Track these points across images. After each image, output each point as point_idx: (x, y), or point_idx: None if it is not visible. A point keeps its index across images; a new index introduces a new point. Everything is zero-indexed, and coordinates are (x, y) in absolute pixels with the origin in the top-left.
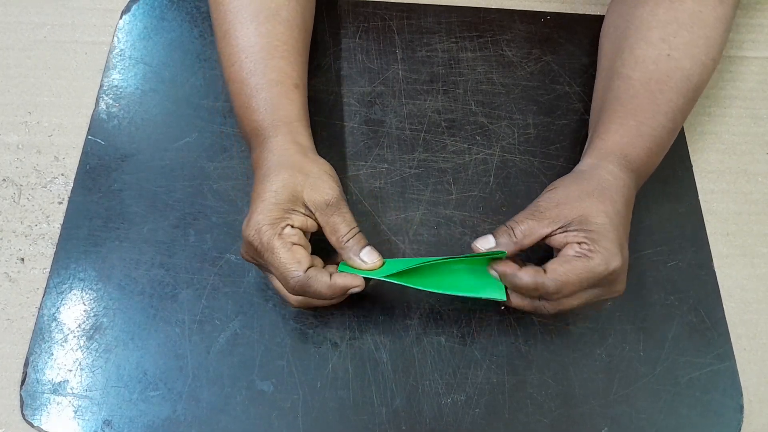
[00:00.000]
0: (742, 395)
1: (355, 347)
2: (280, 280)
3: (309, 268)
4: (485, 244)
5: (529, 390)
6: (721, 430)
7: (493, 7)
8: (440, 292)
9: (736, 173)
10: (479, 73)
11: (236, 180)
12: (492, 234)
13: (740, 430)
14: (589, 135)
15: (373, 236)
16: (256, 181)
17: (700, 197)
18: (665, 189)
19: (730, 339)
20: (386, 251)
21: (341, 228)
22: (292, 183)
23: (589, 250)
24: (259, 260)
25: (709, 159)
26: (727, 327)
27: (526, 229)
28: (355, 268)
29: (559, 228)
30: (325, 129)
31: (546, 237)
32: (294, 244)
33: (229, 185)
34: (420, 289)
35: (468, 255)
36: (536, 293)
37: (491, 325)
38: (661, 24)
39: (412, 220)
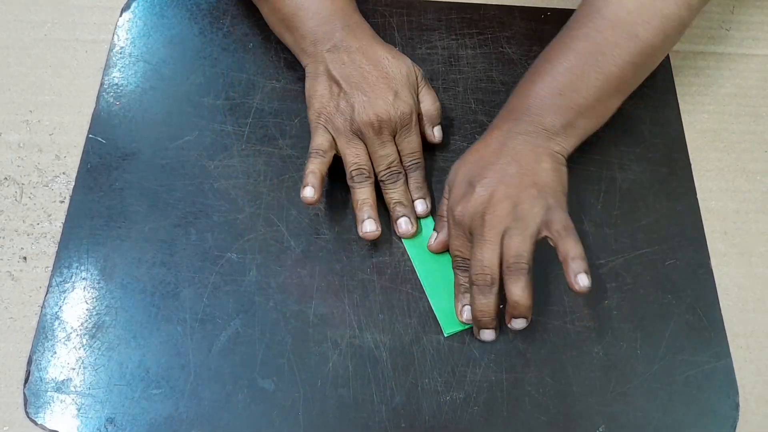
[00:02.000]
0: (738, 393)
1: (355, 346)
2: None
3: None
4: (432, 237)
5: (527, 388)
6: (717, 428)
7: (493, 3)
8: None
9: (735, 171)
10: (479, 71)
11: (237, 179)
12: (434, 229)
13: (736, 427)
14: None
15: None
16: (365, 39)
17: (699, 195)
18: (663, 187)
19: (726, 337)
20: (386, 251)
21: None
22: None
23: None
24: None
25: (708, 157)
26: (723, 325)
27: (440, 206)
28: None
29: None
30: None
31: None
32: None
33: (230, 184)
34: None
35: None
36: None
37: None
38: None
39: None
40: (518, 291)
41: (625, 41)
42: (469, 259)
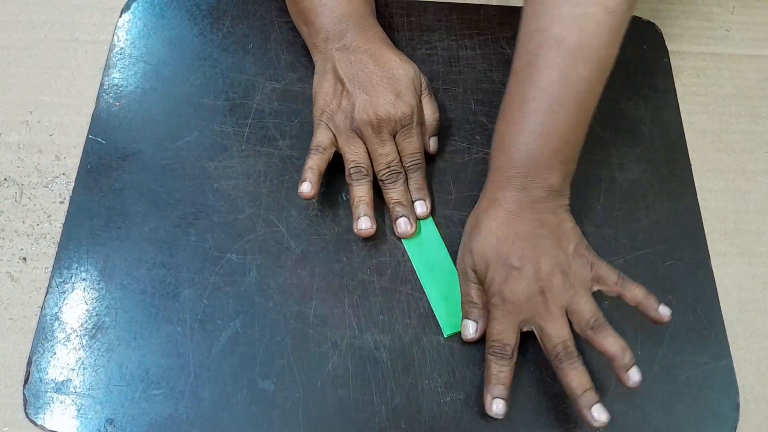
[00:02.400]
0: (738, 394)
1: (355, 346)
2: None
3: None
4: (473, 330)
5: (527, 388)
6: (717, 429)
7: (493, 4)
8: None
9: (735, 172)
10: (479, 72)
11: (237, 179)
12: (466, 318)
13: (736, 428)
14: None
15: (372, 236)
16: (375, 41)
17: (699, 196)
18: (663, 187)
19: (726, 338)
20: (386, 251)
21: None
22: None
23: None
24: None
25: (708, 157)
26: (724, 326)
27: (475, 293)
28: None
29: (478, 280)
30: None
31: (483, 286)
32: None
33: (229, 184)
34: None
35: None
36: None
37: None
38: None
39: None
40: (614, 341)
41: (584, 68)
42: (510, 345)
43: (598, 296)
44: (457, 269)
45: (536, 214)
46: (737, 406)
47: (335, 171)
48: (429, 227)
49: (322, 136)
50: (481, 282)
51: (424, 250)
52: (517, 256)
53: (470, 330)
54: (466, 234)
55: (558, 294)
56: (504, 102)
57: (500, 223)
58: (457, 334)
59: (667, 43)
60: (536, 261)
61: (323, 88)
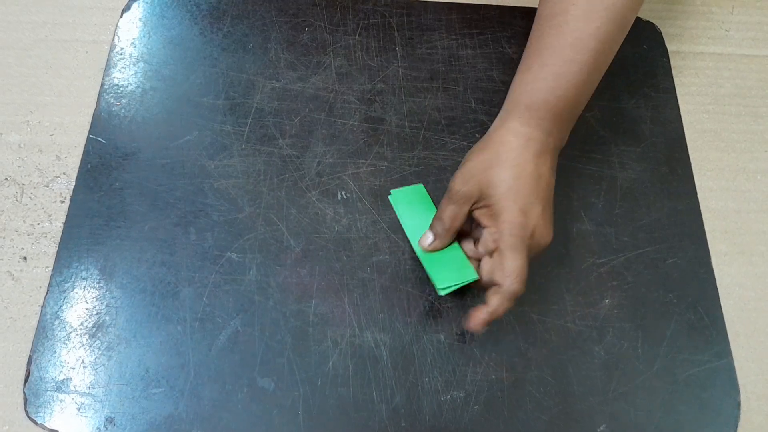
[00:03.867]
0: (739, 392)
1: (355, 345)
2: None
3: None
4: (425, 240)
5: (528, 387)
6: (718, 427)
7: (492, 3)
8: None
9: (735, 171)
10: (479, 71)
11: (236, 178)
12: (429, 229)
13: (737, 426)
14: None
15: (373, 234)
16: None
17: (699, 195)
18: (664, 187)
19: (727, 336)
20: (386, 249)
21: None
22: None
23: (499, 232)
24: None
25: (709, 157)
26: (724, 324)
27: (451, 214)
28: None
29: (473, 205)
30: (325, 127)
31: (469, 214)
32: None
33: (229, 183)
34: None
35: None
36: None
37: (490, 323)
38: None
39: None
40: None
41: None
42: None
43: (600, 295)
44: (451, 188)
45: (552, 162)
46: (738, 405)
47: (335, 170)
48: (420, 192)
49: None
50: (473, 209)
51: (415, 213)
52: (535, 199)
53: (428, 239)
54: (479, 161)
55: (533, 241)
56: (536, 45)
57: (527, 162)
58: (457, 334)
59: (667, 43)
60: (541, 205)
61: None
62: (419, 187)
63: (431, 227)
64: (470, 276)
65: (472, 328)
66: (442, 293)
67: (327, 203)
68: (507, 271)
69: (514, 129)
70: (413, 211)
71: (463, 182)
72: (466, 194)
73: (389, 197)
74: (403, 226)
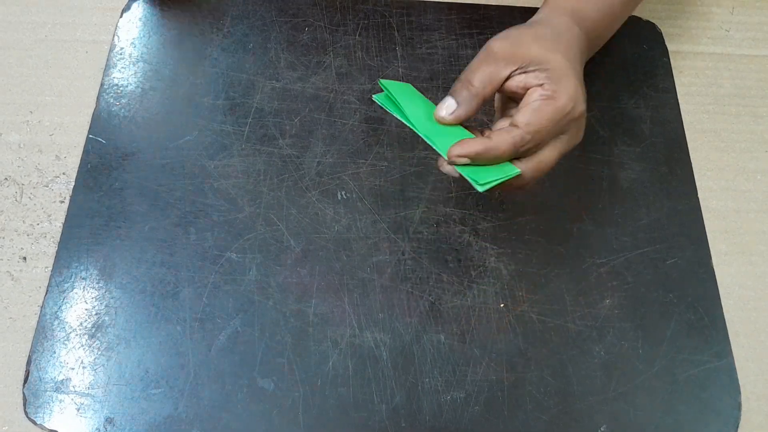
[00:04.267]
0: (739, 393)
1: (355, 345)
2: None
3: None
4: (447, 109)
5: (528, 387)
6: (718, 428)
7: (492, 3)
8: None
9: (736, 171)
10: None
11: (236, 178)
12: (449, 94)
13: (738, 427)
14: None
15: (373, 234)
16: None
17: (699, 195)
18: (664, 187)
19: (728, 336)
20: (386, 249)
21: None
22: None
23: (554, 91)
24: None
25: (709, 157)
26: (725, 325)
27: (484, 76)
28: None
29: (517, 69)
30: (325, 127)
31: (505, 80)
32: None
33: (229, 183)
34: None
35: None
36: (516, 153)
37: (490, 323)
38: None
39: (412, 218)
40: (529, 173)
41: None
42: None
43: (600, 295)
44: (490, 47)
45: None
46: (739, 405)
47: (335, 171)
48: (411, 89)
49: None
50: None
51: (418, 105)
52: (583, 93)
53: (449, 106)
54: (526, 31)
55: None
56: None
57: (579, 54)
58: (456, 335)
59: (667, 43)
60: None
61: None
62: (408, 86)
63: (452, 92)
64: (511, 170)
65: (452, 156)
66: (482, 190)
67: (327, 203)
68: (535, 158)
69: (567, 23)
70: (414, 104)
71: (509, 43)
72: (512, 54)
73: (378, 88)
74: (407, 116)
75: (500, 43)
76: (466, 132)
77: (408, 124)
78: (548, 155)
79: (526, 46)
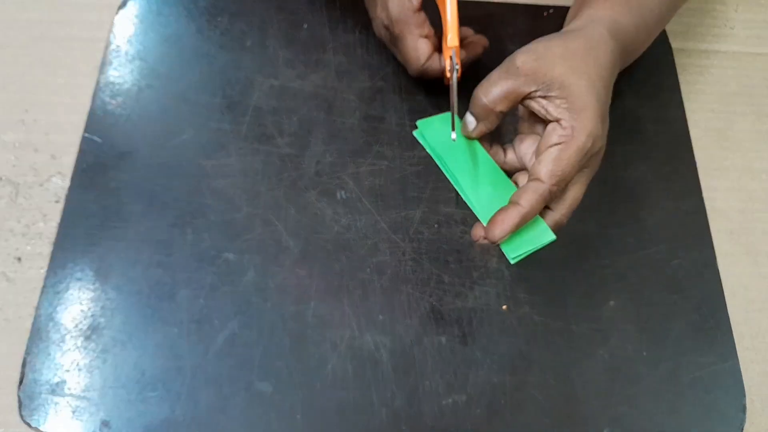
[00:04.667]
0: (744, 395)
1: (355, 347)
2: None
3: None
4: (470, 126)
5: (531, 390)
6: (723, 430)
7: (494, 1)
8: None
9: (741, 170)
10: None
11: (234, 177)
12: (469, 110)
13: (743, 430)
14: (575, 7)
15: (372, 234)
16: None
17: (704, 195)
18: (669, 186)
19: (733, 338)
20: (386, 250)
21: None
22: None
23: (572, 129)
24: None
25: (714, 156)
26: (730, 326)
27: (503, 92)
28: None
29: (537, 90)
30: (324, 125)
31: (524, 98)
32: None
33: (227, 183)
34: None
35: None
36: (546, 203)
37: (492, 325)
38: None
39: (413, 218)
40: (561, 215)
41: None
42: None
43: (604, 296)
44: (513, 61)
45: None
46: (744, 407)
47: (334, 170)
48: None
49: None
50: (530, 96)
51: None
52: (606, 116)
53: (470, 123)
54: (556, 44)
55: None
56: None
57: (611, 72)
58: (456, 334)
59: (671, 41)
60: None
61: None
62: (444, 119)
63: (472, 104)
64: (547, 237)
65: (495, 239)
66: (514, 261)
67: (326, 203)
68: (566, 201)
69: (602, 34)
70: (452, 156)
71: (532, 58)
72: (534, 72)
73: (415, 132)
74: (451, 172)
75: (524, 57)
76: (502, 176)
77: (449, 178)
78: (576, 192)
79: (551, 65)
